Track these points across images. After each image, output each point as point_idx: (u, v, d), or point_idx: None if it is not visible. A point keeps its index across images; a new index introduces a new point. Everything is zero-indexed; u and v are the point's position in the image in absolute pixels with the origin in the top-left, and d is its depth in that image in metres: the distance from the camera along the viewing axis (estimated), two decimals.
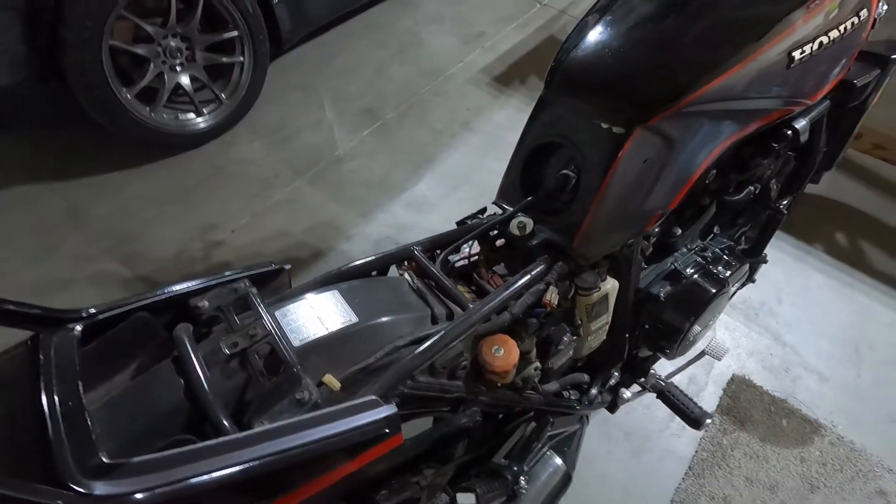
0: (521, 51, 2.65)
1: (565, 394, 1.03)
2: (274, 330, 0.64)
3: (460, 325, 0.74)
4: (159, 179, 2.08)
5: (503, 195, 0.96)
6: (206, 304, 0.69)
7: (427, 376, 0.72)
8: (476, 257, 0.94)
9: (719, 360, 1.17)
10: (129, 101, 1.85)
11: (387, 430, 0.60)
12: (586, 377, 1.06)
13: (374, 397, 0.62)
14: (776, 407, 1.55)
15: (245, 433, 0.53)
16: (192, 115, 2.06)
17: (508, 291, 0.80)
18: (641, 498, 1.40)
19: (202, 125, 2.08)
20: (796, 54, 0.81)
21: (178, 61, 1.95)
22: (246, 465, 0.51)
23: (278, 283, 0.82)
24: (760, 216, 1.25)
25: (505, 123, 2.30)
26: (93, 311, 0.63)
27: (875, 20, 1.07)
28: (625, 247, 0.91)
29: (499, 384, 0.81)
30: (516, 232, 0.88)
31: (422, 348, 0.70)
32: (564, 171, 0.87)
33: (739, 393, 1.57)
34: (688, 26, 0.81)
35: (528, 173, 0.93)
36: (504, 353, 0.77)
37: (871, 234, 1.96)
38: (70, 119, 2.06)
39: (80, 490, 0.44)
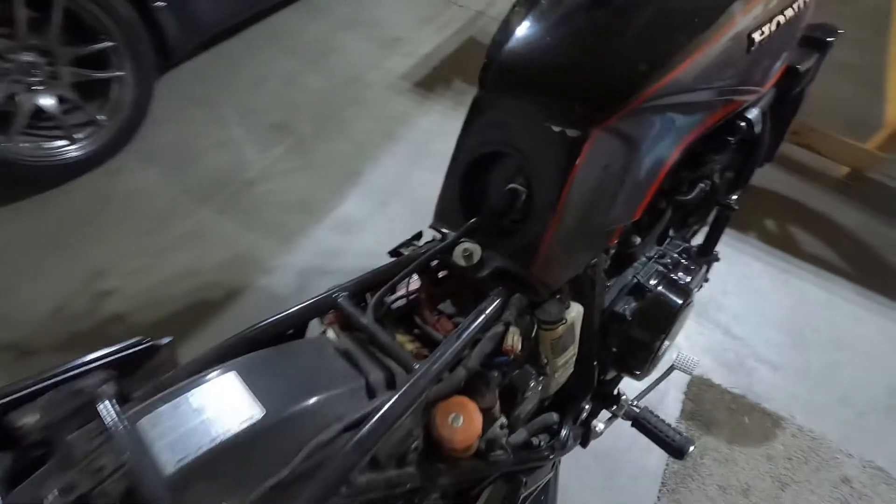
0: (441, 54, 2.52)
1: (535, 441, 0.89)
2: (133, 454, 0.44)
3: (406, 396, 0.57)
4: (31, 222, 1.72)
5: (442, 217, 0.80)
6: (34, 419, 0.48)
7: (369, 473, 0.55)
8: (415, 295, 0.78)
9: (691, 374, 1.08)
10: None
11: None
12: (555, 416, 0.92)
13: None
14: (737, 404, 1.51)
15: None
16: (61, 143, 1.73)
17: (461, 340, 0.65)
18: None
19: (76, 153, 1.75)
20: (756, 36, 0.73)
21: (35, 79, 1.62)
22: None
23: (157, 362, 0.61)
24: (709, 213, 1.19)
25: (432, 130, 2.16)
26: None
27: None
28: (588, 267, 0.78)
29: (458, 455, 0.64)
30: (462, 262, 0.73)
31: (357, 439, 0.52)
32: (512, 186, 0.73)
33: (701, 394, 1.52)
34: (639, 11, 0.70)
35: (468, 190, 0.78)
36: (464, 422, 0.61)
37: (795, 217, 2.01)
38: None
39: None
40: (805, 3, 0.84)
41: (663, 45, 0.67)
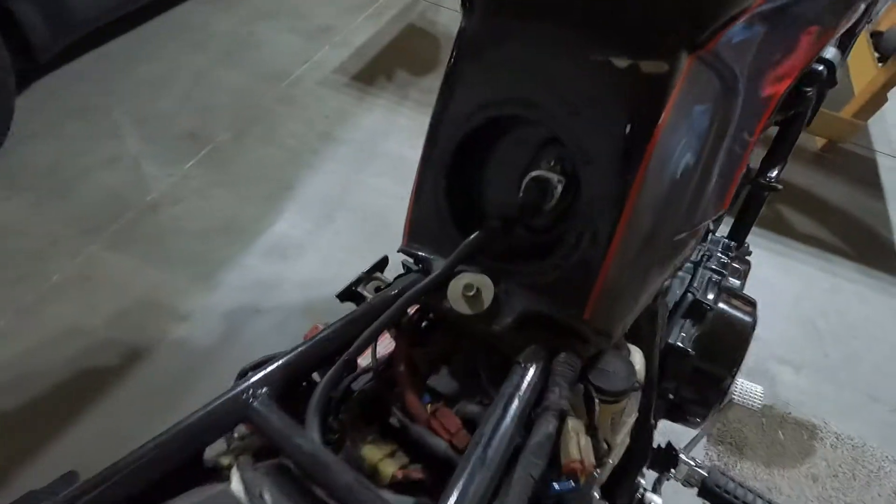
0: (379, 43, 2.22)
1: None
2: None
3: None
4: None
5: (418, 237, 0.50)
6: None
7: None
8: (387, 368, 0.47)
9: (759, 406, 0.84)
10: None
11: None
12: None
13: None
14: (766, 417, 1.30)
15: None
16: None
17: (490, 461, 0.35)
18: None
19: None
20: None
21: None
22: None
23: None
24: (741, 194, 0.96)
25: (376, 128, 1.84)
26: None
27: None
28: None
29: None
30: (465, 307, 0.44)
31: None
32: (538, 174, 0.44)
33: (725, 411, 1.30)
34: None
35: (459, 191, 0.48)
36: None
37: (781, 197, 1.86)
38: None
39: None
40: None
41: None
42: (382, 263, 0.60)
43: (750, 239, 1.67)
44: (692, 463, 0.73)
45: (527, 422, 0.39)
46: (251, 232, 1.50)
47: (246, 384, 0.39)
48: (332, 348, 0.45)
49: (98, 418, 1.11)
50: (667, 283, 0.51)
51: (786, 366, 1.41)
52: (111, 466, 0.34)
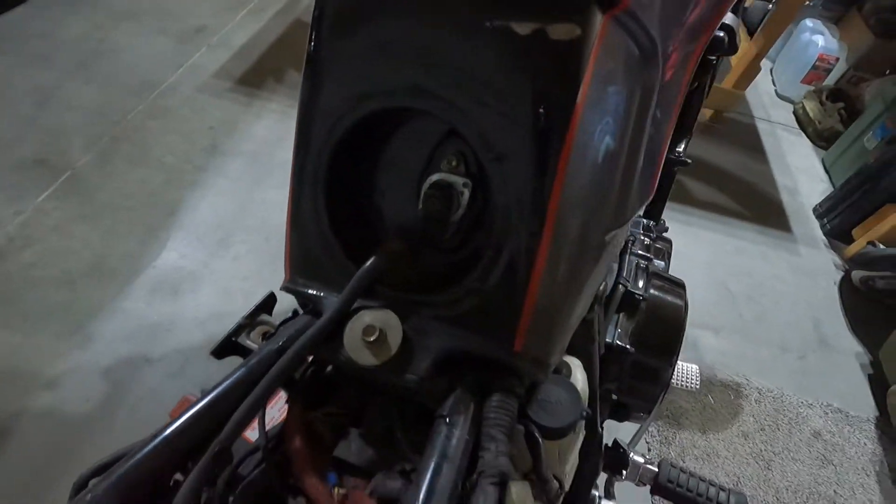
0: (263, 42, 2.03)
1: None
2: None
3: None
4: None
5: (301, 267, 0.40)
6: None
7: None
8: (277, 444, 0.37)
9: (697, 388, 0.82)
10: None
11: None
12: None
13: None
14: None
15: None
16: None
17: None
18: None
19: None
20: None
21: None
22: None
23: None
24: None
25: (270, 136, 1.68)
26: None
27: None
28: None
29: None
30: (368, 358, 0.35)
31: None
32: (437, 178, 0.35)
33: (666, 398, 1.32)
34: None
35: (345, 206, 0.38)
36: None
37: (685, 170, 1.94)
38: None
39: None
40: None
41: None
42: (269, 303, 0.48)
43: (664, 218, 1.71)
44: (642, 461, 0.69)
45: (461, 495, 0.31)
46: (129, 271, 1.28)
47: (83, 491, 0.27)
48: (202, 431, 0.34)
49: None
50: (602, 287, 0.45)
51: (706, 330, 1.46)
52: None
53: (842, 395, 1.38)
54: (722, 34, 0.62)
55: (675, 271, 1.18)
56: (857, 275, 1.63)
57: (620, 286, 0.64)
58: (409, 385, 0.34)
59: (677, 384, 0.78)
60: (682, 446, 1.21)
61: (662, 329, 0.63)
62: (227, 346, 0.46)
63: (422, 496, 0.29)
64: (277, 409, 0.39)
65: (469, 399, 0.34)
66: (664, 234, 0.94)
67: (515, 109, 0.30)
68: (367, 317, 0.35)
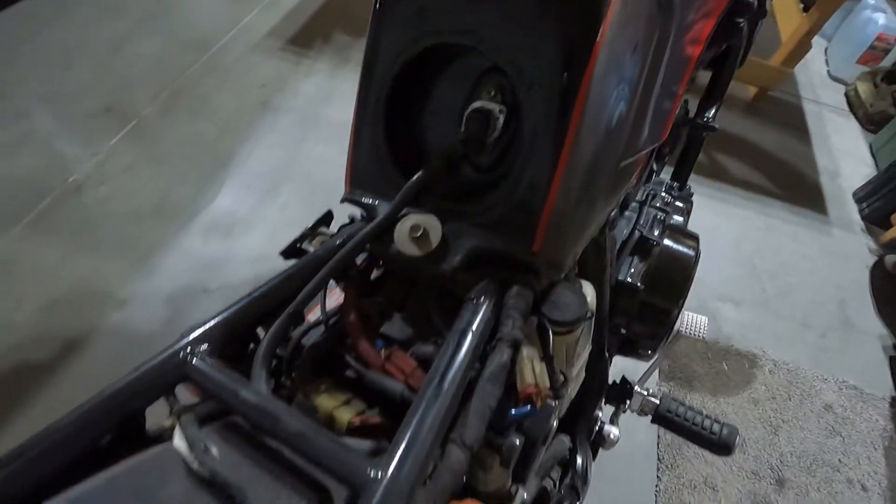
0: (312, 5, 2.10)
1: (547, 484, 0.61)
2: None
3: None
4: None
5: (361, 183, 0.48)
6: None
7: None
8: (337, 318, 0.45)
9: (703, 337, 0.88)
10: None
11: None
12: (566, 440, 0.66)
13: None
14: (711, 351, 1.38)
15: None
16: None
17: (444, 395, 0.34)
18: None
19: None
20: None
21: None
22: None
23: None
24: (682, 137, 0.98)
25: (319, 94, 1.76)
26: None
27: None
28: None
29: None
30: (412, 248, 0.42)
31: None
32: (479, 105, 0.42)
33: (674, 348, 1.37)
34: None
35: (400, 130, 0.46)
36: None
37: (717, 144, 1.93)
38: None
39: None
40: None
41: None
42: (327, 218, 0.57)
43: (691, 184, 1.73)
44: (645, 393, 0.77)
45: (481, 355, 0.39)
46: (189, 211, 1.41)
47: (183, 342, 0.36)
48: (275, 302, 0.43)
49: (32, 420, 1.04)
50: (613, 213, 0.51)
51: (727, 303, 1.49)
52: (33, 437, 0.31)
53: (859, 374, 1.40)
54: None
55: (702, 243, 1.22)
56: (890, 259, 1.62)
57: (637, 232, 0.70)
58: (444, 274, 0.42)
59: (685, 331, 0.83)
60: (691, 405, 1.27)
61: (671, 273, 0.69)
62: (292, 250, 0.55)
63: (450, 351, 0.37)
64: (334, 300, 0.48)
65: (493, 289, 0.42)
66: (688, 198, 0.98)
67: (546, 45, 0.37)
68: (413, 218, 0.43)
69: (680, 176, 1.02)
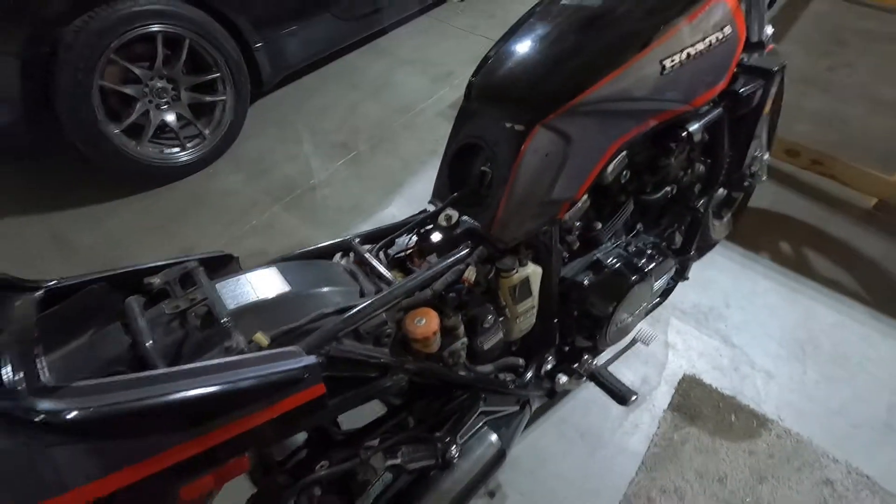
0: None
1: (501, 376, 1.11)
2: (211, 295, 0.74)
3: (384, 298, 0.84)
4: (144, 210, 2.20)
5: (436, 194, 1.08)
6: (157, 280, 0.79)
7: (352, 341, 0.81)
8: (410, 250, 1.05)
9: (647, 345, 1.25)
10: (116, 135, 2.00)
11: (307, 376, 0.68)
12: (521, 361, 1.14)
13: (295, 348, 0.70)
14: (725, 403, 1.61)
15: (170, 369, 0.62)
16: (176, 150, 2.21)
17: (431, 271, 0.91)
18: (596, 493, 1.44)
19: (185, 159, 2.23)
20: (667, 63, 0.96)
21: (163, 100, 2.12)
22: (169, 397, 0.58)
23: (229, 269, 0.92)
24: (684, 216, 1.37)
25: None
26: (52, 282, 0.73)
27: (763, 41, 1.24)
28: (541, 234, 1.02)
29: (424, 353, 0.89)
30: (443, 223, 1.00)
31: (346, 315, 0.79)
32: (483, 168, 0.99)
33: (690, 391, 1.64)
34: (576, 43, 0.96)
35: (454, 172, 1.05)
36: (425, 323, 0.87)
37: (813, 242, 2.08)
38: (58, 154, 2.21)
39: (26, 405, 0.53)
40: (725, 35, 1.05)
41: (592, 64, 0.93)
42: (424, 210, 1.18)
43: (762, 272, 1.99)
44: (591, 362, 1.19)
45: (453, 266, 0.94)
46: (369, 212, 2.19)
47: (352, 235, 1.01)
48: (387, 232, 1.05)
49: None
50: (546, 227, 0.99)
51: (760, 373, 1.69)
52: (286, 254, 0.97)
53: (881, 469, 1.47)
54: (682, 133, 1.10)
55: (752, 320, 1.62)
56: None
57: (595, 256, 1.15)
58: (454, 235, 0.99)
59: (638, 337, 1.23)
60: (686, 436, 1.53)
61: (609, 284, 1.12)
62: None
63: (437, 262, 0.94)
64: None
65: (472, 245, 0.97)
66: (680, 259, 1.36)
67: (504, 147, 0.93)
68: (448, 211, 1.01)
69: (684, 245, 1.40)
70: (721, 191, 1.72)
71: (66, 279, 0.74)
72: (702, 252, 1.99)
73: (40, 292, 0.70)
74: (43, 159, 2.31)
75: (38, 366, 0.58)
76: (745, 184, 1.43)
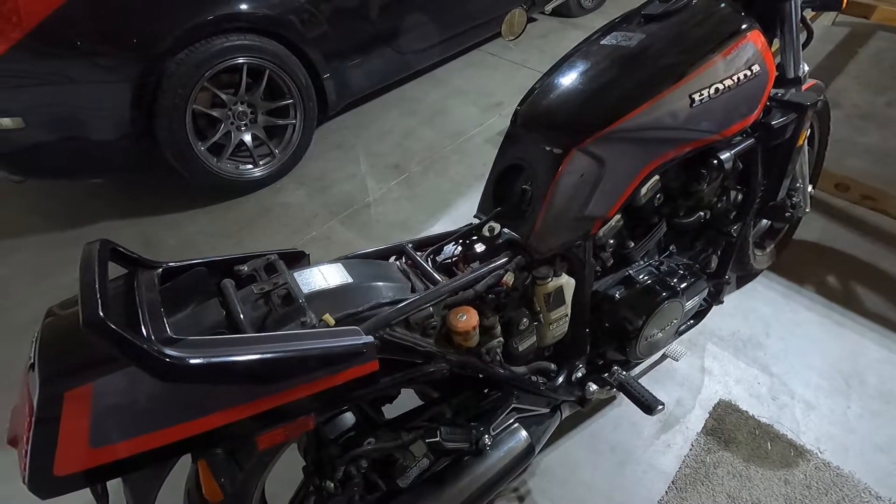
0: None
1: (534, 378, 1.20)
2: (289, 281, 0.89)
3: (431, 294, 0.97)
4: (218, 218, 2.46)
5: (481, 208, 1.21)
6: (245, 268, 0.96)
7: (403, 329, 0.94)
8: (456, 257, 1.18)
9: (677, 360, 1.30)
10: (202, 152, 2.27)
11: (363, 351, 0.82)
12: (553, 366, 1.23)
13: (357, 328, 0.84)
14: (761, 431, 1.61)
15: (260, 334, 0.77)
16: (249, 166, 2.48)
17: (474, 274, 1.03)
18: None
19: (257, 174, 2.48)
20: (696, 96, 1.05)
21: (243, 122, 2.39)
22: (258, 355, 0.73)
23: (302, 264, 1.08)
24: (718, 241, 1.43)
25: None
26: (171, 263, 0.91)
27: (801, 77, 1.31)
28: (575, 247, 1.12)
29: (464, 347, 1.01)
30: (487, 234, 1.12)
31: (399, 306, 0.92)
32: (524, 186, 1.12)
33: (725, 416, 1.65)
34: (610, 78, 1.08)
35: (498, 190, 1.18)
36: (467, 318, 0.98)
37: (861, 277, 2.04)
38: (152, 169, 2.51)
39: (158, 349, 0.68)
40: (754, 72, 1.13)
41: (621, 99, 1.04)
42: (470, 223, 1.31)
43: (805, 304, 2.00)
44: (620, 372, 1.25)
45: (493, 272, 1.06)
46: (418, 229, 2.35)
47: (406, 241, 1.15)
48: (436, 241, 1.18)
49: None
50: (580, 241, 1.08)
51: (799, 402, 1.68)
52: (344, 255, 1.12)
53: None
54: (714, 161, 1.18)
55: (793, 351, 1.67)
56: None
57: (627, 273, 1.23)
58: (496, 245, 1.11)
59: (668, 353, 1.28)
60: (719, 460, 1.55)
61: (639, 300, 1.20)
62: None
63: (479, 268, 1.06)
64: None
65: (511, 254, 1.08)
66: (715, 282, 1.41)
67: (543, 168, 1.05)
68: (492, 223, 1.13)
69: (718, 269, 1.45)
70: (763, 221, 1.76)
71: (176, 262, 0.92)
72: (743, 282, 2.01)
73: (159, 270, 0.88)
74: (140, 174, 2.63)
75: (164, 322, 0.74)
76: (787, 214, 1.46)
